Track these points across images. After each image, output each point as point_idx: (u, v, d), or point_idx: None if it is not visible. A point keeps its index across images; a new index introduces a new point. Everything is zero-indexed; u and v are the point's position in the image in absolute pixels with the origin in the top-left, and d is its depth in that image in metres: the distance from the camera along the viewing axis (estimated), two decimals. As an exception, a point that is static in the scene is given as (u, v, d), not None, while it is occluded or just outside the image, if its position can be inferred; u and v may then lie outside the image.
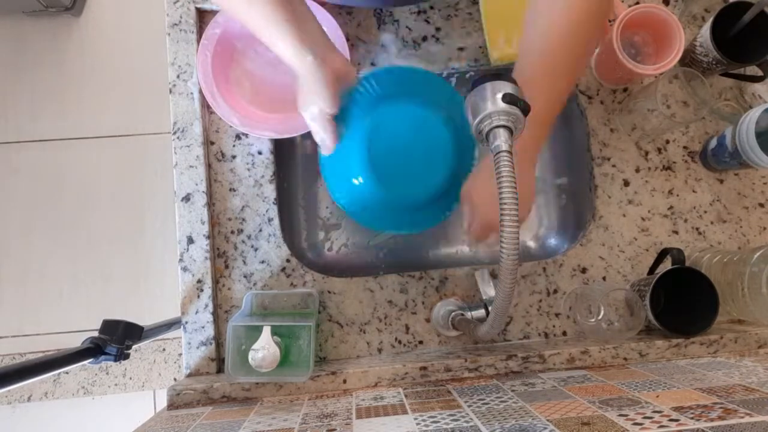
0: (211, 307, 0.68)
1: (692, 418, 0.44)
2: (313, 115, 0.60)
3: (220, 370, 0.67)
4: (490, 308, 0.64)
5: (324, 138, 0.62)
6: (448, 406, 0.53)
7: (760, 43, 0.67)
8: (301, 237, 0.83)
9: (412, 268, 0.71)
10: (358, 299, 0.70)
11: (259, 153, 0.72)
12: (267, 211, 0.71)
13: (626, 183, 0.73)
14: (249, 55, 0.73)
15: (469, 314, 0.64)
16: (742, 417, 0.43)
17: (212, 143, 0.72)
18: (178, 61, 0.71)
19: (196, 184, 0.69)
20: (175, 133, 0.70)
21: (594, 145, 0.74)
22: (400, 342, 0.69)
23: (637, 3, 0.75)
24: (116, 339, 0.65)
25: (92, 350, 0.62)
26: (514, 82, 0.46)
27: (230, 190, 0.71)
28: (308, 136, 0.83)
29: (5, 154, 1.55)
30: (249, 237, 0.70)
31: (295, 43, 0.53)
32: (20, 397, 1.46)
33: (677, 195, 0.73)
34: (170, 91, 0.71)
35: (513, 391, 0.56)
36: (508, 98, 0.45)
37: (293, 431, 0.50)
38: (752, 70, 0.73)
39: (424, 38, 0.75)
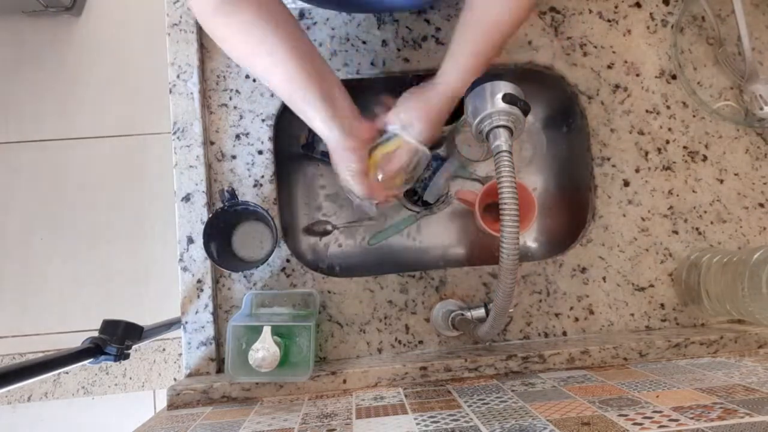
0: (211, 307, 0.68)
1: (692, 418, 0.44)
2: (349, 176, 0.62)
3: (220, 370, 0.67)
4: (489, 307, 0.64)
5: (365, 195, 0.64)
6: (448, 406, 0.53)
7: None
8: (301, 237, 0.83)
9: (412, 268, 0.71)
10: (358, 299, 0.70)
11: (259, 153, 0.72)
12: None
13: (626, 183, 0.73)
14: None
15: (469, 314, 0.64)
16: (742, 417, 0.43)
17: (212, 143, 0.72)
18: (178, 61, 0.71)
19: (196, 184, 0.69)
20: (175, 133, 0.70)
21: (594, 145, 0.74)
22: (400, 342, 0.69)
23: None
24: (116, 339, 0.64)
25: (92, 350, 0.62)
26: (513, 82, 0.46)
27: (230, 190, 0.71)
28: (307, 130, 0.83)
29: (5, 154, 1.55)
30: (249, 237, 0.70)
31: (325, 118, 0.58)
32: (20, 397, 1.46)
33: (677, 195, 0.73)
34: (170, 91, 0.71)
35: (513, 391, 0.56)
36: (508, 98, 0.45)
37: (293, 431, 0.50)
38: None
39: (424, 38, 0.75)
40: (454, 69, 0.60)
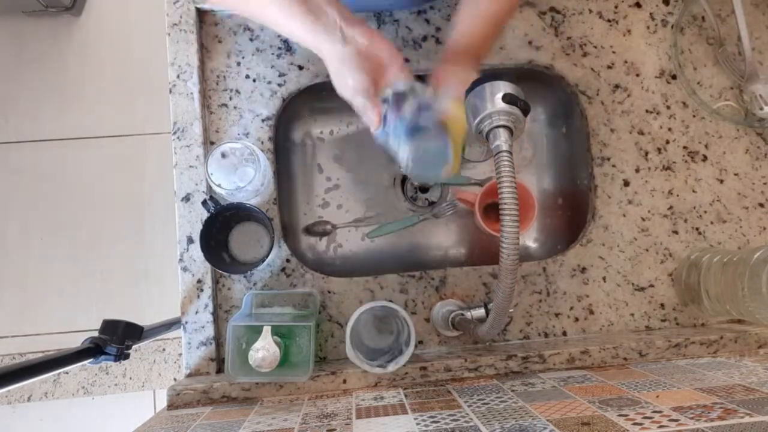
0: (211, 307, 0.68)
1: (692, 418, 0.44)
2: (353, 92, 0.57)
3: (220, 370, 0.67)
4: (489, 307, 0.64)
5: (369, 116, 0.58)
6: (448, 406, 0.53)
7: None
8: (301, 237, 0.83)
9: (412, 268, 0.71)
10: (358, 299, 0.70)
11: (259, 153, 0.72)
12: (267, 211, 0.71)
13: (626, 183, 0.73)
14: None
15: (469, 314, 0.64)
16: (742, 417, 0.43)
17: (212, 143, 0.72)
18: (178, 61, 0.71)
19: (196, 184, 0.69)
20: (175, 133, 0.70)
21: (594, 145, 0.74)
22: (400, 342, 0.69)
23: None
24: (116, 339, 0.64)
25: (92, 350, 0.62)
26: (513, 82, 0.46)
27: (230, 190, 0.71)
28: (308, 136, 0.83)
29: (5, 154, 1.55)
30: (249, 237, 0.70)
31: (316, 29, 0.53)
32: (20, 397, 1.46)
33: (677, 195, 0.73)
34: (170, 91, 0.71)
35: (513, 391, 0.56)
36: (507, 98, 0.45)
37: (293, 431, 0.50)
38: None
39: (424, 38, 0.75)
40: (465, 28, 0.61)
